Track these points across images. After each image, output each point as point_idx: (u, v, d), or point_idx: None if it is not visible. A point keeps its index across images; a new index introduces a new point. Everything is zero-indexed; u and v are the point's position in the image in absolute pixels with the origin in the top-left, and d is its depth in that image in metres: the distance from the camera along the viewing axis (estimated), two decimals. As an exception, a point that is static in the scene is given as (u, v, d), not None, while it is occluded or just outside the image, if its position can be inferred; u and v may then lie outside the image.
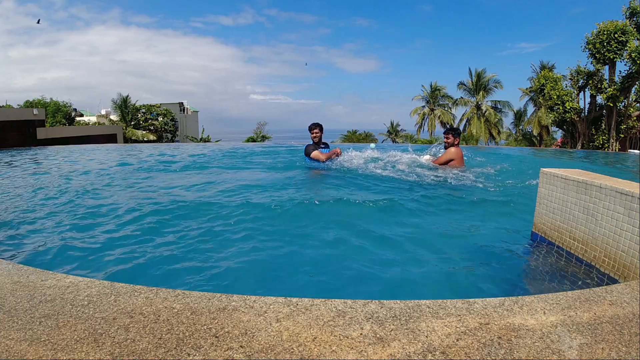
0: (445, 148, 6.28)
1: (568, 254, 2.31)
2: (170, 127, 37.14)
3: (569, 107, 20.08)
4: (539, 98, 24.11)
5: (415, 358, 1.03)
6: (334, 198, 3.97)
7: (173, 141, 36.15)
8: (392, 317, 1.24)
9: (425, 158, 6.69)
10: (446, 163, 6.14)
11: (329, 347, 1.07)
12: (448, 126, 41.77)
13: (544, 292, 1.53)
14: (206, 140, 37.87)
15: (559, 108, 20.42)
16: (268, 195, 4.20)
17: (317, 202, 3.83)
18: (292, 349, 1.06)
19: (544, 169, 2.60)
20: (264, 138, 36.81)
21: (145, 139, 32.12)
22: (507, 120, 40.49)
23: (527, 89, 35.33)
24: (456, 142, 6.12)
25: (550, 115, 22.71)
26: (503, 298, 1.40)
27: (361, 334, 1.14)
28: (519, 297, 1.41)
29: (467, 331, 1.16)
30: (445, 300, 1.36)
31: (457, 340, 1.11)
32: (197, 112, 49.90)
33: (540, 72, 22.94)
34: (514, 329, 1.18)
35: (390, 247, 2.72)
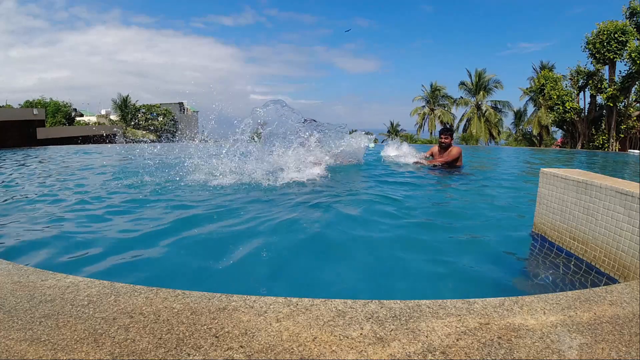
0: (444, 148, 6.30)
1: (568, 254, 2.31)
2: (170, 127, 37.17)
3: (568, 107, 20.09)
4: (539, 98, 24.07)
5: (415, 358, 1.03)
6: (331, 197, 3.97)
7: (173, 141, 36.18)
8: (392, 317, 1.24)
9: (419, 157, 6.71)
10: (454, 162, 6.17)
11: (329, 347, 1.07)
12: (448, 125, 41.82)
13: (544, 292, 1.53)
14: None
15: (559, 108, 20.43)
16: (266, 195, 4.20)
17: (315, 202, 3.83)
18: (292, 349, 1.06)
19: (543, 169, 2.60)
20: (263, 138, 36.87)
21: (145, 139, 32.17)
22: (507, 120, 40.46)
23: (527, 89, 35.32)
24: (451, 142, 6.21)
25: (550, 115, 22.73)
26: (503, 298, 1.40)
27: (361, 334, 1.14)
28: (519, 297, 1.41)
29: (467, 331, 1.16)
30: (445, 300, 1.36)
31: (457, 340, 1.11)
32: (197, 112, 49.90)
33: (540, 72, 22.92)
34: (514, 329, 1.18)
35: (388, 247, 2.72)
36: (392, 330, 1.16)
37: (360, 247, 2.70)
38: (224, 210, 3.49)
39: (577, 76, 20.24)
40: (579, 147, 20.44)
